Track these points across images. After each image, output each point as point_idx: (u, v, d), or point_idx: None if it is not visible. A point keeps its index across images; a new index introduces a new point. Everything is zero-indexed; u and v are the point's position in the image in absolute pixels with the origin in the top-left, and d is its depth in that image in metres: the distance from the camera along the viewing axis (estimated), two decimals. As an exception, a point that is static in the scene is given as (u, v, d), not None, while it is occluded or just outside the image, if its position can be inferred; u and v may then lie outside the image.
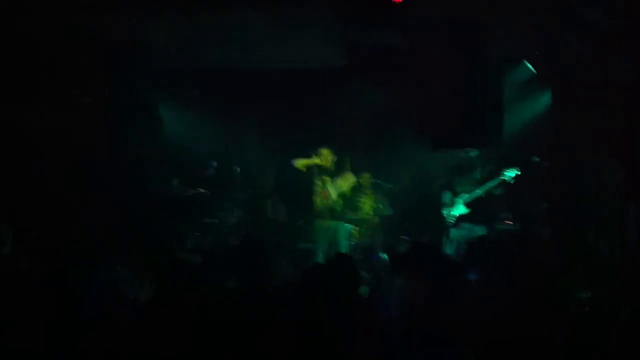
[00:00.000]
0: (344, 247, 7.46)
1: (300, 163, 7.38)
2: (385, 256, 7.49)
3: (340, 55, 6.91)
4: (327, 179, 7.47)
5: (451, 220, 7.08)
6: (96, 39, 6.09)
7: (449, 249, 6.84)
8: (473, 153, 7.07)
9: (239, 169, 8.62)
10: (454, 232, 7.10)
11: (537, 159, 7.20)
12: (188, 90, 8.04)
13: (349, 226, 8.26)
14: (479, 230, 6.83)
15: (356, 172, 8.77)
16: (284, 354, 3.50)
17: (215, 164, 8.33)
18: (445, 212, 7.15)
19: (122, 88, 6.52)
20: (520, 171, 6.80)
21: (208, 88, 8.19)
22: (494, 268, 4.96)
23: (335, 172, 7.53)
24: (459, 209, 7.05)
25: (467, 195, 6.98)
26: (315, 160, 7.36)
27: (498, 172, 6.88)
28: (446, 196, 7.18)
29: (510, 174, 6.75)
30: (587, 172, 6.28)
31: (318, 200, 7.47)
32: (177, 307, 3.70)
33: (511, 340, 3.88)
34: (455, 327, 3.87)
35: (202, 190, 8.04)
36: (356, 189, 8.55)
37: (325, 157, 7.40)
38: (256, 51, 7.33)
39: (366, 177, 8.65)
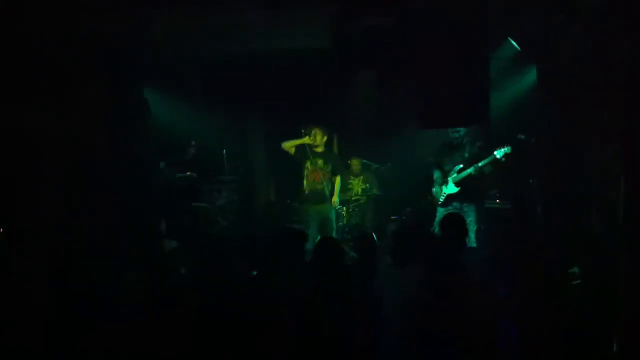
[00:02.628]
0: (333, 229, 7.40)
1: (289, 144, 7.32)
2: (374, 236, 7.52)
3: (330, 37, 6.87)
4: (319, 161, 7.36)
5: (441, 199, 7.11)
6: (88, 32, 6.02)
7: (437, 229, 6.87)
8: (462, 131, 7.07)
9: (225, 151, 8.57)
10: (441, 211, 7.13)
11: (523, 136, 7.22)
12: (178, 77, 7.94)
13: (338, 207, 8.31)
14: (468, 209, 6.88)
15: (345, 153, 8.83)
16: (276, 338, 3.52)
17: (193, 142, 8.23)
18: (435, 190, 7.18)
19: (114, 77, 6.45)
20: (511, 149, 6.82)
21: (197, 73, 8.12)
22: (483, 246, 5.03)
23: (325, 152, 7.43)
24: (449, 188, 7.07)
25: (456, 174, 7.01)
26: (306, 139, 7.28)
27: (487, 150, 6.91)
28: (436, 175, 7.20)
29: (502, 152, 6.77)
30: (576, 149, 6.33)
31: (308, 181, 7.37)
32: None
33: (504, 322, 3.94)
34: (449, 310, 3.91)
35: (190, 173, 7.98)
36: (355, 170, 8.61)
37: (315, 136, 7.29)
38: (247, 34, 7.26)
39: (356, 163, 8.68)
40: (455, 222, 4.88)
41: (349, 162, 8.70)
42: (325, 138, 7.38)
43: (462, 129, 7.02)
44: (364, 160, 8.70)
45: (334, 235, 7.29)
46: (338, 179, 7.53)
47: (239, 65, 8.17)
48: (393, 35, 7.03)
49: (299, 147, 7.29)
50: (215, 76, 8.31)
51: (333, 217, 7.52)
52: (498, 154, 6.73)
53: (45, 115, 5.52)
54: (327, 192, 7.38)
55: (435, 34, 6.83)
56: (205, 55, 7.89)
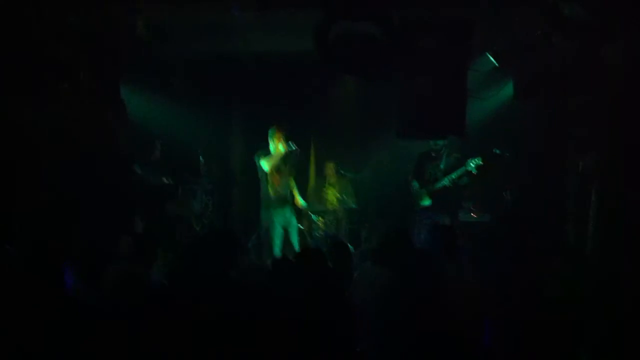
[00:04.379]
0: (295, 243, 7.27)
1: (270, 163, 7.16)
2: (351, 247, 7.49)
3: (313, 42, 6.86)
4: (279, 163, 7.19)
5: (416, 209, 7.14)
6: (76, 27, 5.96)
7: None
8: (440, 142, 7.14)
9: (202, 158, 8.48)
10: (418, 222, 7.18)
11: (498, 150, 7.29)
12: (160, 77, 7.86)
13: (314, 217, 8.29)
14: (443, 220, 6.92)
15: (321, 162, 8.80)
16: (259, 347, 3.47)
17: (158, 143, 8.03)
18: (411, 201, 7.21)
19: (99, 76, 6.39)
20: (483, 161, 6.90)
21: (173, 72, 8.05)
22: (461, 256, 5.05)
23: (287, 156, 7.22)
24: (424, 199, 7.11)
25: (432, 185, 7.06)
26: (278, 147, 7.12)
27: (463, 161, 6.98)
28: (413, 185, 7.24)
29: (473, 164, 6.85)
30: (553, 162, 6.41)
31: (270, 185, 7.19)
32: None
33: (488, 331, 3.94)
34: (429, 316, 3.91)
35: (166, 180, 7.87)
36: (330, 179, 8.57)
37: (280, 139, 7.11)
38: (229, 34, 7.22)
39: (330, 167, 8.64)
40: (447, 235, 4.94)
41: (324, 168, 8.67)
42: (286, 139, 7.13)
43: (441, 140, 7.09)
44: (341, 171, 8.65)
45: (295, 237, 7.24)
46: (291, 181, 7.41)
47: (220, 65, 8.11)
48: (374, 44, 7.04)
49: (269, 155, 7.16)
50: (193, 74, 8.25)
51: (295, 224, 7.37)
52: (469, 166, 6.82)
53: (30, 109, 5.45)
54: (289, 197, 7.32)
55: (416, 45, 6.87)
56: (185, 54, 7.82)
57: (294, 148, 7.09)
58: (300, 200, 7.47)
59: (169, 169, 7.92)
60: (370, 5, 6.55)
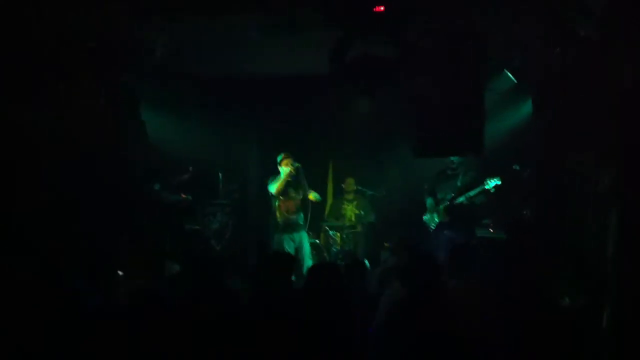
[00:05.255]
0: (308, 262, 7.34)
1: (278, 187, 7.33)
2: (367, 263, 7.50)
3: (329, 61, 6.92)
4: (291, 191, 7.40)
5: (432, 227, 7.13)
6: (85, 39, 6.06)
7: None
8: (456, 160, 7.14)
9: (221, 175, 8.57)
10: (434, 239, 7.17)
11: (518, 167, 7.26)
12: (175, 94, 7.96)
13: (332, 233, 8.32)
14: (460, 238, 6.89)
15: (339, 179, 8.83)
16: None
17: (191, 168, 8.13)
18: (426, 218, 7.21)
19: (111, 90, 6.48)
20: (501, 181, 6.88)
21: (194, 92, 8.14)
22: (477, 275, 5.04)
23: (294, 181, 7.41)
24: (441, 216, 7.10)
25: (448, 202, 7.05)
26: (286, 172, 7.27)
27: (480, 179, 6.96)
28: (428, 202, 7.24)
29: (492, 183, 6.83)
30: (571, 179, 6.37)
31: (281, 212, 7.38)
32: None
33: (499, 345, 3.93)
34: (444, 333, 3.90)
35: (184, 196, 7.96)
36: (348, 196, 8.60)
37: (288, 165, 7.31)
38: (243, 56, 7.31)
39: (349, 184, 8.68)
40: (468, 255, 4.94)
41: (342, 184, 8.71)
42: (295, 166, 7.33)
43: (457, 158, 7.09)
44: (359, 187, 8.68)
45: (307, 261, 7.31)
46: (312, 195, 7.52)
47: (237, 85, 8.19)
48: (390, 64, 7.08)
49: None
50: (213, 96, 8.32)
51: (307, 248, 7.48)
52: (487, 185, 6.80)
53: (39, 113, 5.53)
54: (301, 221, 7.45)
55: (432, 63, 6.90)
56: (204, 74, 7.90)
57: (297, 165, 7.22)
58: (313, 196, 7.51)
59: (189, 189, 7.99)
60: (386, 24, 6.61)
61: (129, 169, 6.85)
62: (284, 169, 7.30)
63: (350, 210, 8.63)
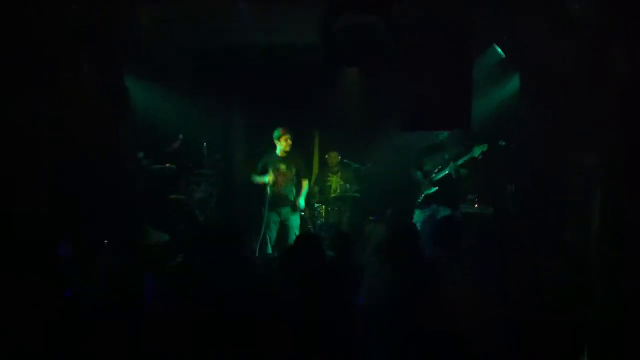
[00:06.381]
0: (293, 233, 7.37)
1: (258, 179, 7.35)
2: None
3: (318, 36, 6.85)
4: (283, 165, 7.39)
5: (419, 201, 7.13)
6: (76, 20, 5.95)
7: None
8: (443, 134, 7.13)
9: (205, 144, 8.49)
10: (418, 213, 7.17)
11: (504, 142, 7.26)
12: (165, 70, 7.88)
13: (317, 205, 8.31)
14: (444, 212, 6.91)
15: (325, 152, 8.80)
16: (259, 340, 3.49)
17: (181, 136, 8.13)
18: (414, 192, 7.21)
19: (100, 66, 6.40)
20: (488, 149, 6.87)
21: (179, 62, 8.03)
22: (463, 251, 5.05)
23: (288, 156, 7.41)
24: (428, 189, 7.10)
25: (435, 175, 7.05)
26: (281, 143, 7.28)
27: (467, 152, 6.96)
28: (415, 175, 7.23)
29: (478, 150, 6.83)
30: (556, 156, 6.39)
31: (271, 186, 7.35)
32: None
33: (488, 327, 3.94)
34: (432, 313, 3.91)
35: (169, 165, 7.89)
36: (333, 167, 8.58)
37: (284, 140, 7.31)
38: (233, 26, 7.22)
39: (333, 157, 8.65)
40: (453, 228, 4.93)
41: (326, 155, 8.69)
42: (290, 141, 7.33)
43: (445, 132, 7.08)
44: (345, 160, 8.65)
45: (292, 236, 7.30)
46: (305, 183, 7.57)
47: (224, 57, 8.13)
48: (379, 35, 7.02)
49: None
50: (198, 67, 8.25)
51: (294, 223, 7.48)
52: (475, 152, 6.80)
53: (31, 105, 5.46)
54: (291, 197, 7.44)
55: (420, 37, 6.85)
56: (188, 45, 7.82)
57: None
58: (301, 202, 7.54)
59: (173, 159, 7.92)
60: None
61: (114, 138, 6.78)
62: (281, 145, 7.30)
63: (335, 182, 8.61)
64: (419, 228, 6.73)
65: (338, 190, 8.55)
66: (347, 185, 8.53)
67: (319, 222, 8.28)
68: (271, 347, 3.40)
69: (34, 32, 5.47)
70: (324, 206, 8.38)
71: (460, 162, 6.89)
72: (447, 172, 6.94)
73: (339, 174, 8.62)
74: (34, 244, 3.99)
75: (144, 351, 3.32)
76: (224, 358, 3.37)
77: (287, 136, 7.29)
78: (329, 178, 8.63)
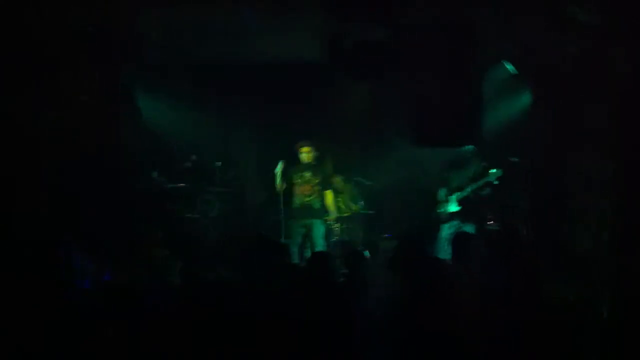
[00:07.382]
0: (320, 244, 7.34)
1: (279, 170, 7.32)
2: (366, 253, 7.46)
3: (328, 49, 6.90)
4: (307, 174, 7.39)
5: (444, 217, 7.10)
6: (85, 29, 6.03)
7: (439, 246, 6.82)
8: (467, 150, 7.09)
9: (220, 163, 8.52)
10: (445, 229, 7.11)
11: (517, 159, 7.23)
12: (172, 82, 7.88)
13: (325, 223, 8.29)
14: (468, 229, 6.86)
15: (338, 169, 8.79)
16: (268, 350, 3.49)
17: (194, 157, 8.07)
18: (438, 209, 7.18)
19: (109, 79, 6.46)
20: (502, 171, 6.85)
21: (192, 81, 8.05)
22: (479, 266, 5.03)
23: (314, 165, 7.44)
24: (452, 206, 7.07)
25: (459, 193, 7.01)
26: (303, 155, 7.29)
27: (487, 171, 6.92)
28: (441, 193, 7.19)
29: (494, 175, 6.80)
30: (570, 171, 6.36)
31: (297, 195, 7.37)
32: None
33: (496, 338, 3.92)
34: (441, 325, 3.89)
35: (183, 184, 7.93)
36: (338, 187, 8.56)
37: (306, 153, 7.34)
38: (241, 44, 7.27)
39: (338, 181, 8.63)
40: (467, 242, 4.92)
41: (340, 175, 8.67)
42: (315, 153, 7.38)
43: (471, 148, 7.02)
44: (357, 178, 8.63)
45: (319, 246, 7.26)
46: (329, 195, 7.52)
47: (234, 73, 8.13)
48: (387, 50, 7.05)
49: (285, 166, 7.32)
50: (210, 83, 8.22)
51: (318, 233, 7.42)
52: (490, 177, 6.77)
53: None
54: (317, 206, 7.40)
55: (429, 52, 6.88)
56: (200, 59, 7.85)
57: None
58: (331, 216, 7.57)
59: (186, 177, 7.96)
60: (382, 11, 6.58)
61: (126, 157, 6.83)
62: (304, 156, 7.35)
63: (342, 202, 8.59)
64: (445, 243, 6.69)
65: (345, 209, 8.52)
66: (362, 203, 8.52)
67: (333, 239, 8.26)
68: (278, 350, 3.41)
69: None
70: (337, 224, 8.36)
71: (476, 185, 6.86)
72: (466, 193, 6.91)
73: (344, 192, 8.59)
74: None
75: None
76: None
77: (309, 149, 7.32)
78: (342, 196, 8.61)
